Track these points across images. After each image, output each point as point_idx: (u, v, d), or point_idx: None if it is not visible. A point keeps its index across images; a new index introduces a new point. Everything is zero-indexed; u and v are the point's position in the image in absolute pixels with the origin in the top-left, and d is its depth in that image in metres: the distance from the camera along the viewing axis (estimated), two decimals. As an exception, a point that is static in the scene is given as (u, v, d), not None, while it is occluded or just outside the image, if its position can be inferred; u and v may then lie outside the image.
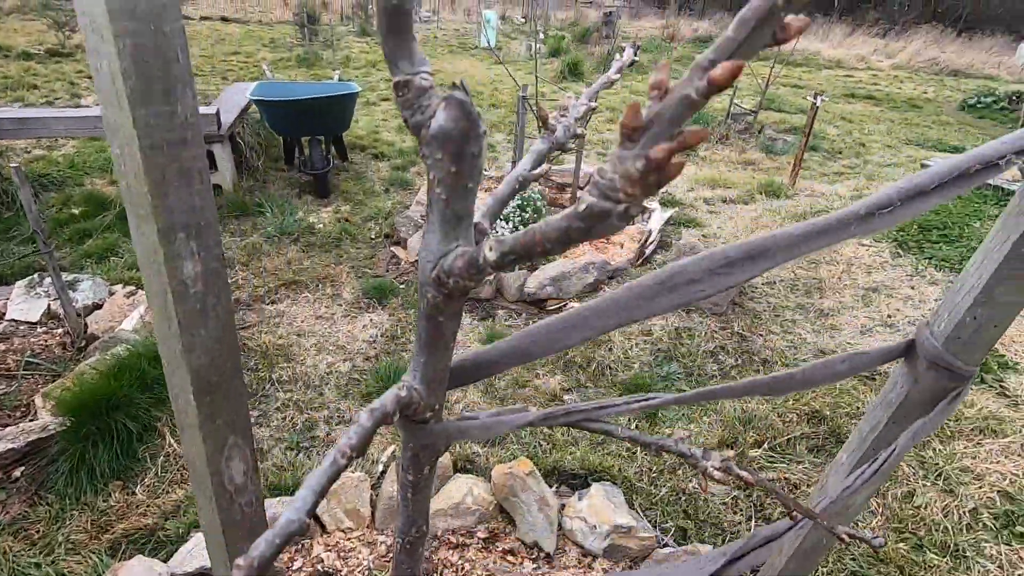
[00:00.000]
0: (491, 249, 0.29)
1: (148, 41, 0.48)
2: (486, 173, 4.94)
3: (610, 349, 2.73)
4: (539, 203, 3.80)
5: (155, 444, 2.12)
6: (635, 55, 0.61)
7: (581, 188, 4.52)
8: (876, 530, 1.80)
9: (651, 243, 3.68)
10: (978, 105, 10.81)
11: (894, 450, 0.58)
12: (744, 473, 0.47)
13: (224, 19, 16.80)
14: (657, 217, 4.01)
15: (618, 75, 0.61)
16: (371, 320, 3.01)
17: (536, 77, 4.89)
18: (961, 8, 36.39)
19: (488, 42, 14.00)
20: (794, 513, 0.56)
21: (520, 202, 3.75)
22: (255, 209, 4.07)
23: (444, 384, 0.44)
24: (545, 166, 0.59)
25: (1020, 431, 2.08)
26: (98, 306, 2.85)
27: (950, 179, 0.44)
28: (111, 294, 2.96)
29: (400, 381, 0.41)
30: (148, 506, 1.90)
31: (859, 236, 0.44)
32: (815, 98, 4.77)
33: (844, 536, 0.58)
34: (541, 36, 14.88)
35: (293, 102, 3.96)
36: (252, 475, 0.71)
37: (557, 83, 9.71)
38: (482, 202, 0.49)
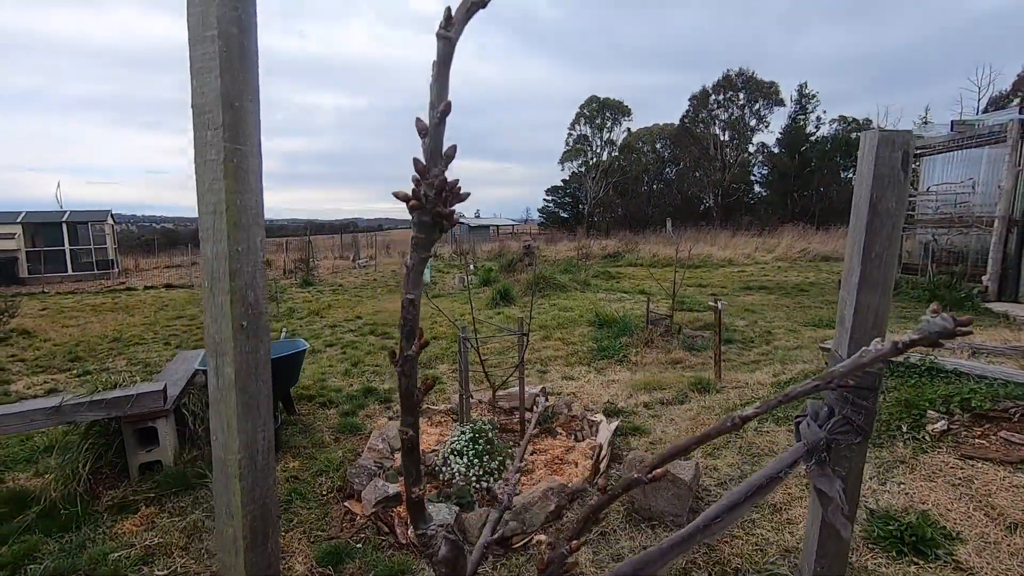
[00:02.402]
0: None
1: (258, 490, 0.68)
2: (435, 407, 5.09)
3: (584, 584, 2.62)
4: (490, 433, 3.91)
5: None
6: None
7: (528, 409, 4.72)
8: None
9: (604, 457, 3.78)
10: (852, 284, 12.55)
11: None
12: None
13: (168, 286, 17.65)
14: (604, 429, 4.19)
15: (536, 428, 0.83)
16: (327, 593, 2.78)
17: (471, 307, 5.42)
18: (812, 207, 44.25)
19: (424, 279, 15.31)
20: None
21: (473, 435, 3.85)
22: (197, 481, 3.90)
23: None
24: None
25: (989, 608, 2.10)
26: (7, 632, 2.50)
27: (753, 493, 0.66)
28: (24, 613, 2.62)
29: None
30: None
31: (707, 540, 0.62)
32: (716, 303, 5.50)
33: None
34: (472, 268, 16.56)
35: (243, 368, 4.12)
36: None
37: (490, 309, 10.59)
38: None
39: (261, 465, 0.66)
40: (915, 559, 2.44)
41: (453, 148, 0.45)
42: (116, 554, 3.12)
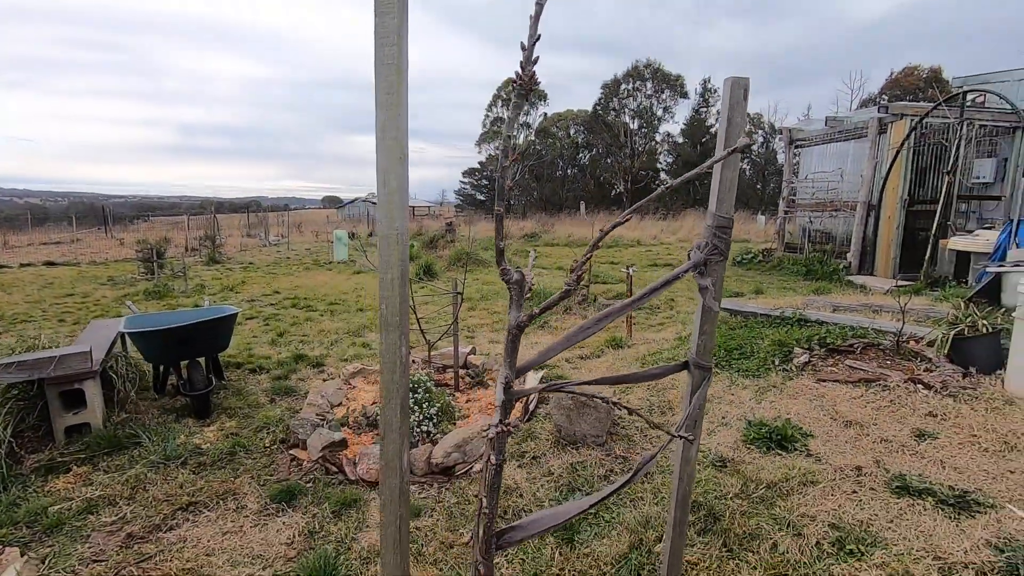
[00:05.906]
0: (529, 317, 0.79)
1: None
2: (371, 368, 5.29)
3: (520, 495, 3.03)
4: (428, 383, 4.22)
5: None
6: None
7: (462, 367, 5.06)
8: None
9: (532, 400, 4.22)
10: (743, 261, 13.98)
11: (695, 406, 1.11)
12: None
13: (49, 263, 16.04)
14: (532, 379, 4.62)
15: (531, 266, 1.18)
16: (284, 523, 2.99)
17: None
18: (711, 194, 47.48)
19: (342, 257, 15.10)
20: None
21: (412, 385, 4.14)
22: (129, 442, 3.89)
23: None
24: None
25: (827, 478, 2.76)
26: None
27: (660, 285, 1.05)
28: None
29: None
30: None
31: (635, 309, 1.00)
32: (627, 269, 6.10)
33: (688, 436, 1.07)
34: (391, 246, 16.48)
35: (179, 329, 4.12)
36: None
37: (414, 284, 10.73)
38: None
39: (405, 360, 1.02)
40: (780, 452, 3.08)
41: (538, 57, 0.78)
42: (56, 507, 3.12)
